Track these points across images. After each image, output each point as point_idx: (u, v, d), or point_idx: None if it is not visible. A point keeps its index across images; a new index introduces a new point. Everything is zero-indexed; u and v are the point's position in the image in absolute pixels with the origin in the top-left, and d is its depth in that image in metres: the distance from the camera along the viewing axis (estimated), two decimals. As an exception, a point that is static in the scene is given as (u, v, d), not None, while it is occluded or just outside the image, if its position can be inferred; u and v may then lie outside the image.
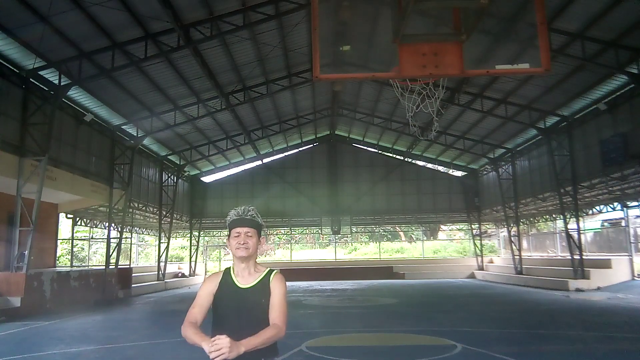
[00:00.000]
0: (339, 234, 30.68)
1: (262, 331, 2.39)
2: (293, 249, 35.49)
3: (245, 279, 2.56)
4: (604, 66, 14.28)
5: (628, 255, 20.96)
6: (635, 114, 15.08)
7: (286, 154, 30.66)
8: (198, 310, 2.54)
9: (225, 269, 2.63)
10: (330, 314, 13.64)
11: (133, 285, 19.70)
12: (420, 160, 30.86)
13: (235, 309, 2.49)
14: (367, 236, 38.26)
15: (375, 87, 20.87)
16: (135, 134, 19.74)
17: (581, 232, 20.24)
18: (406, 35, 4.37)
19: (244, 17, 13.94)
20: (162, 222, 24.41)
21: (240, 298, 2.50)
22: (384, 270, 29.34)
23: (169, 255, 25.49)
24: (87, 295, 15.69)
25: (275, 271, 2.59)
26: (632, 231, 21.95)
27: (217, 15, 13.67)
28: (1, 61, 12.70)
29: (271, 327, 2.44)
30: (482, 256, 29.54)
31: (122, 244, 20.51)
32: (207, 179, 30.73)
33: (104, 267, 18.31)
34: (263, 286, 2.53)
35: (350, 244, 38.73)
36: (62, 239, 24.28)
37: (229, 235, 2.57)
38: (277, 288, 2.54)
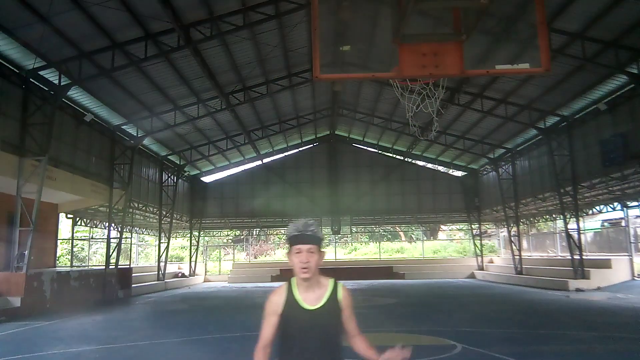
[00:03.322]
0: (339, 234, 30.68)
1: (367, 347, 2.48)
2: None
3: (311, 299, 2.45)
4: (604, 66, 14.28)
5: (628, 255, 20.97)
6: (635, 114, 15.08)
7: (286, 154, 30.65)
8: (269, 332, 2.47)
9: (288, 283, 2.52)
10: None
11: (133, 285, 19.69)
12: (420, 160, 30.85)
13: (303, 332, 2.41)
14: (367, 236, 38.25)
15: (375, 87, 20.87)
16: (135, 134, 19.74)
17: (581, 232, 20.23)
18: (406, 35, 4.37)
19: (244, 17, 13.94)
20: (162, 222, 24.40)
21: (309, 320, 2.42)
22: (384, 270, 29.34)
23: (169, 255, 25.49)
24: (87, 295, 15.69)
25: (340, 284, 2.52)
26: (632, 231, 21.95)
27: (217, 15, 13.66)
28: (1, 61, 12.70)
29: (362, 338, 2.51)
30: (482, 256, 29.53)
31: (122, 244, 20.51)
32: (207, 179, 30.72)
33: (104, 267, 18.31)
34: (332, 305, 2.46)
35: (350, 244, 38.72)
36: (62, 239, 24.29)
37: (289, 251, 2.47)
38: (347, 302, 2.50)
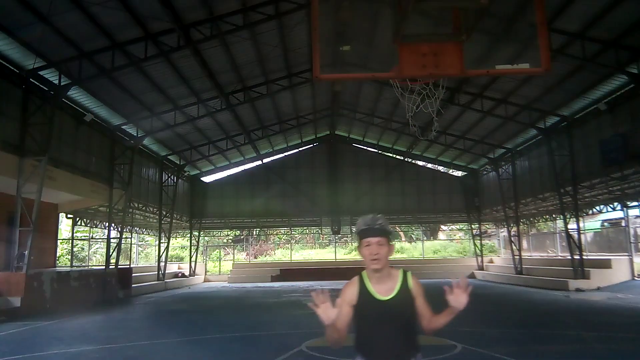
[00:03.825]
0: (339, 234, 30.67)
1: (438, 317, 2.57)
2: (293, 249, 35.49)
3: (383, 289, 2.56)
4: (604, 66, 14.28)
5: (628, 255, 20.97)
6: (635, 114, 15.07)
7: (286, 154, 30.65)
8: (341, 319, 2.52)
9: (360, 276, 2.63)
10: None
11: (133, 285, 19.69)
12: (420, 160, 30.85)
13: (379, 322, 2.53)
14: (367, 236, 38.18)
15: (375, 87, 20.86)
16: (135, 134, 19.74)
17: (581, 232, 20.24)
18: (406, 35, 4.37)
19: (244, 17, 13.93)
20: (162, 222, 24.40)
21: (383, 310, 2.53)
22: (384, 270, 29.28)
23: (169, 255, 25.49)
24: (87, 295, 15.68)
25: (409, 273, 2.63)
26: (632, 231, 21.95)
27: (217, 15, 13.66)
28: (1, 61, 12.70)
29: (436, 317, 2.58)
30: (482, 256, 29.53)
31: (122, 244, 20.51)
32: (207, 179, 30.72)
33: (104, 267, 18.31)
34: (404, 294, 2.56)
35: (350, 244, 38.69)
36: (62, 239, 24.31)
37: (359, 244, 2.58)
38: (419, 289, 2.60)
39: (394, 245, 2.59)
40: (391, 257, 2.57)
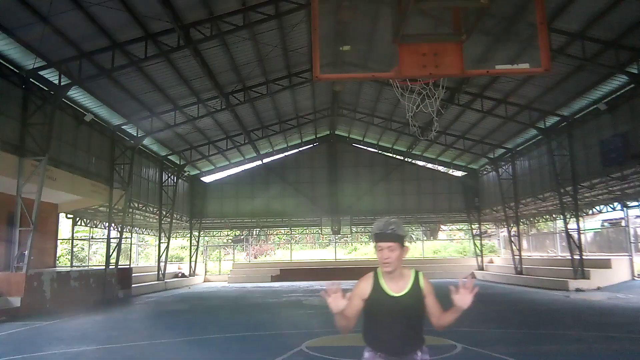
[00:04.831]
0: (339, 234, 30.67)
1: (446, 314, 2.72)
2: (293, 249, 35.47)
3: (395, 287, 2.73)
4: (604, 66, 14.27)
5: (628, 255, 20.97)
6: (635, 114, 15.08)
7: (286, 154, 30.64)
8: (351, 310, 2.71)
9: (375, 272, 2.81)
10: (330, 314, 13.60)
11: (133, 285, 19.69)
12: (420, 160, 30.83)
13: (389, 316, 2.70)
14: (367, 236, 38.19)
15: (375, 87, 20.86)
16: (135, 134, 19.74)
17: (581, 232, 20.24)
18: (406, 35, 4.37)
19: (244, 17, 13.93)
20: (162, 222, 24.40)
21: (394, 306, 2.70)
22: (384, 270, 29.30)
23: (169, 255, 25.48)
24: (87, 295, 15.68)
25: (421, 273, 2.80)
26: (632, 231, 21.96)
27: (217, 15, 13.66)
28: (1, 61, 12.70)
29: (445, 314, 2.73)
30: (482, 256, 29.52)
31: (122, 244, 20.50)
32: (207, 179, 30.72)
33: (104, 267, 18.30)
34: (415, 292, 2.73)
35: (350, 244, 38.71)
36: (62, 239, 24.29)
37: (375, 246, 2.74)
38: (429, 289, 2.77)
39: (408, 247, 2.78)
40: (405, 257, 2.72)
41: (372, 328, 2.75)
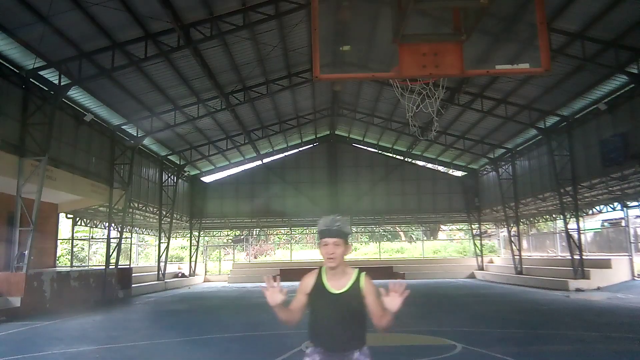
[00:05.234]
0: (339, 234, 30.61)
1: (384, 315, 2.67)
2: (293, 249, 35.47)
3: (336, 284, 2.77)
4: (604, 66, 14.27)
5: (628, 255, 20.95)
6: (635, 114, 15.08)
7: (286, 154, 30.65)
8: (296, 304, 2.84)
9: (319, 269, 2.86)
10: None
11: (133, 285, 19.70)
12: (420, 160, 30.85)
13: (328, 313, 2.75)
14: (367, 236, 38.24)
15: (375, 87, 20.86)
16: (135, 134, 19.74)
17: (581, 232, 20.24)
18: (406, 35, 4.37)
19: (244, 17, 13.94)
20: (162, 222, 24.40)
21: (333, 302, 2.74)
22: (384, 270, 29.27)
23: (169, 255, 25.48)
24: (87, 295, 15.69)
25: (363, 273, 2.80)
26: (632, 231, 21.94)
27: (217, 15, 13.66)
28: (1, 61, 12.69)
29: (386, 317, 2.67)
30: (482, 256, 29.52)
31: (122, 244, 20.50)
32: (207, 179, 30.73)
33: (104, 267, 18.29)
34: (355, 291, 2.75)
35: (350, 244, 38.65)
36: (62, 239, 24.28)
37: (319, 243, 2.79)
38: (370, 289, 2.75)
39: (351, 245, 2.90)
40: (347, 256, 2.79)
41: (313, 323, 2.80)
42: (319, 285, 2.79)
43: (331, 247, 2.73)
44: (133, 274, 20.16)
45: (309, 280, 2.84)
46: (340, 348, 2.74)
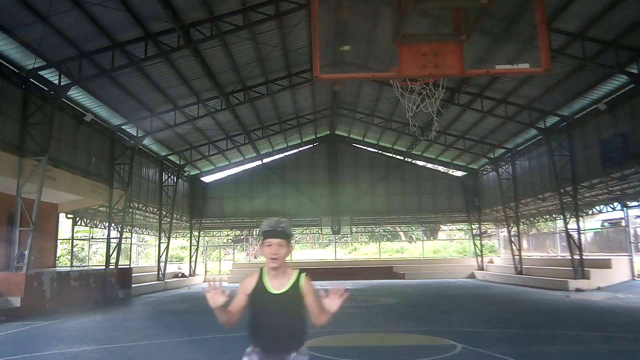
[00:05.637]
0: (339, 234, 30.68)
1: (322, 313, 2.75)
2: (293, 249, 35.45)
3: (276, 284, 2.81)
4: (604, 66, 14.27)
5: (628, 255, 20.96)
6: (635, 114, 15.08)
7: (286, 154, 30.65)
8: (236, 304, 2.85)
9: (260, 270, 2.89)
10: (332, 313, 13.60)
11: (133, 285, 19.69)
12: (420, 160, 30.85)
13: (268, 313, 2.78)
14: (367, 236, 38.25)
15: (375, 87, 20.86)
16: (135, 134, 19.74)
17: (581, 232, 20.24)
18: (406, 35, 4.37)
19: (244, 17, 13.94)
20: (162, 222, 24.40)
21: (272, 303, 2.78)
22: (384, 270, 29.35)
23: (169, 255, 25.48)
24: (87, 295, 15.68)
25: (303, 274, 2.85)
26: (632, 231, 21.95)
27: (217, 15, 13.66)
28: (1, 61, 12.69)
29: (325, 316, 2.75)
30: (482, 256, 29.53)
31: (122, 244, 20.50)
32: (207, 179, 30.72)
33: (104, 267, 18.30)
34: (294, 291, 2.80)
35: (350, 244, 38.72)
36: (62, 239, 24.29)
37: (262, 243, 2.83)
38: (309, 289, 2.82)
39: (293, 247, 3.05)
40: (295, 259, 2.77)
41: (253, 323, 2.82)
42: (260, 285, 2.82)
43: (275, 247, 2.77)
44: (133, 274, 20.15)
45: (250, 281, 2.86)
46: (278, 348, 2.77)
